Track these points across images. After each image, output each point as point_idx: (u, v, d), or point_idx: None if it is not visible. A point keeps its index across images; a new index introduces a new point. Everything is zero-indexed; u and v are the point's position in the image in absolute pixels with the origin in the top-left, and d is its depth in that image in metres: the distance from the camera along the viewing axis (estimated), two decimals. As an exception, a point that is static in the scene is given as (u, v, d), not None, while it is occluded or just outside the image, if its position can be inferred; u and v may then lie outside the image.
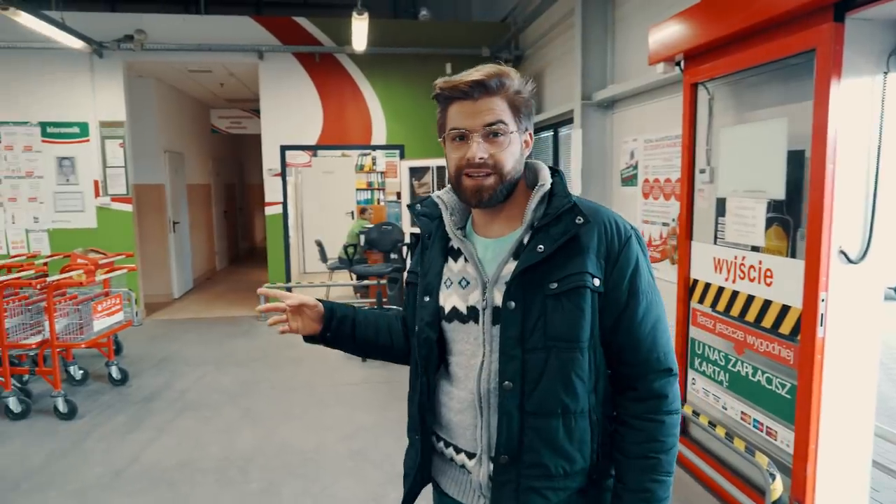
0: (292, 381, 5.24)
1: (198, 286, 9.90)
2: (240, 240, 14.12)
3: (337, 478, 3.53)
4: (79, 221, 7.19)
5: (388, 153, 8.17)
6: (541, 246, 1.21)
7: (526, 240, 1.25)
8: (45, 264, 5.47)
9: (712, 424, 2.99)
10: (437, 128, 1.30)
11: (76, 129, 7.12)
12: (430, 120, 6.25)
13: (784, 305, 2.62)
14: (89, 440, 4.06)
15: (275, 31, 7.37)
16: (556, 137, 6.43)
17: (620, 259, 1.23)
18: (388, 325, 1.54)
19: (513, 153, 1.23)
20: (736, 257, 2.95)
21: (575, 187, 5.14)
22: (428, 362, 1.33)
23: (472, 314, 1.28)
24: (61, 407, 4.39)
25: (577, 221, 1.21)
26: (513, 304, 1.22)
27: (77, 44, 6.42)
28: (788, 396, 2.62)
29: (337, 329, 1.46)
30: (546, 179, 1.29)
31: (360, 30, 6.12)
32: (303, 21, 7.43)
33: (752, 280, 2.84)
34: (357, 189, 10.90)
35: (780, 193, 2.65)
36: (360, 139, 7.78)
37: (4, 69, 6.93)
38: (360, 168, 11.01)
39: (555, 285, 1.20)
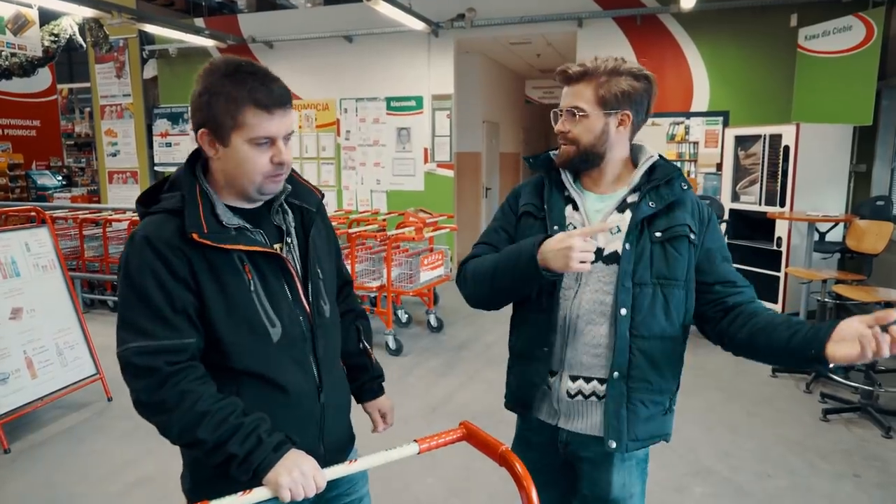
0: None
1: (503, 250, 10.51)
2: (542, 208, 14.58)
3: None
4: (410, 184, 8.18)
5: (708, 121, 7.47)
6: (651, 203, 1.50)
7: (630, 199, 1.54)
8: (384, 220, 6.35)
9: None
10: None
11: (413, 103, 8.05)
12: (763, 82, 5.47)
13: None
14: (411, 377, 4.63)
15: (595, -3, 7.23)
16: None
17: (711, 224, 1.56)
18: None
19: (589, 129, 1.53)
20: None
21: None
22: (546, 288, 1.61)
23: None
24: (391, 344, 5.08)
25: (682, 187, 1.54)
26: (628, 246, 1.49)
27: (419, 25, 7.19)
28: None
29: None
30: (653, 153, 1.60)
31: (689, -15, 5.63)
32: (624, -18, 7.14)
33: None
34: (667, 160, 10.28)
35: None
36: (679, 106, 7.27)
37: (362, 53, 8.15)
38: (671, 138, 10.33)
39: (659, 234, 1.50)
